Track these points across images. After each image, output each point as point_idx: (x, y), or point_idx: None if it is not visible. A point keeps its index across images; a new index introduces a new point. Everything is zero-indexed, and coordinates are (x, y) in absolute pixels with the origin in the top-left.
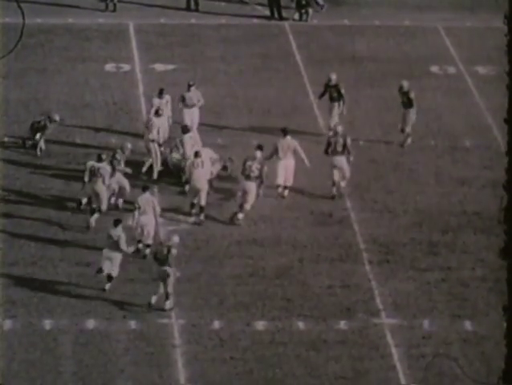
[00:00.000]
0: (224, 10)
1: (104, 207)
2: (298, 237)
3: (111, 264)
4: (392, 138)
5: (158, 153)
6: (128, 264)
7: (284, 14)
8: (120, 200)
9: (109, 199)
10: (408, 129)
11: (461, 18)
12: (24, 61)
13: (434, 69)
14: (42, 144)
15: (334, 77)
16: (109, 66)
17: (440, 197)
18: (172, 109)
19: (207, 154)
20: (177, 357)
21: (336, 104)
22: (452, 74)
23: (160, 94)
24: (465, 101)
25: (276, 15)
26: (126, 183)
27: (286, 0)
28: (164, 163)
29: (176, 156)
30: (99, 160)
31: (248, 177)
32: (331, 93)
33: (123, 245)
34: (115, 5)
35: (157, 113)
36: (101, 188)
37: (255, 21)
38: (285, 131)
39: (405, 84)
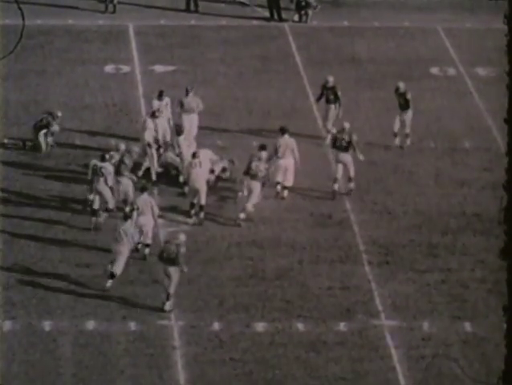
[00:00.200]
0: (224, 12)
1: (111, 206)
2: (298, 238)
3: (117, 259)
4: (391, 140)
5: (154, 155)
6: (128, 266)
7: (284, 15)
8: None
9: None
10: (407, 130)
11: (461, 19)
12: (24, 62)
13: (434, 70)
14: (50, 141)
15: (331, 79)
16: (109, 68)
17: (439, 199)
18: (172, 111)
19: (206, 155)
20: (177, 358)
21: (332, 106)
22: (452, 76)
23: (160, 96)
24: (465, 103)
25: (276, 17)
26: (131, 191)
27: (285, 1)
28: (163, 164)
29: (171, 155)
30: (103, 159)
31: (254, 177)
32: (328, 95)
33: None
34: (114, 6)
35: (153, 115)
36: (103, 187)
37: (255, 22)
38: (283, 130)
39: (402, 85)
